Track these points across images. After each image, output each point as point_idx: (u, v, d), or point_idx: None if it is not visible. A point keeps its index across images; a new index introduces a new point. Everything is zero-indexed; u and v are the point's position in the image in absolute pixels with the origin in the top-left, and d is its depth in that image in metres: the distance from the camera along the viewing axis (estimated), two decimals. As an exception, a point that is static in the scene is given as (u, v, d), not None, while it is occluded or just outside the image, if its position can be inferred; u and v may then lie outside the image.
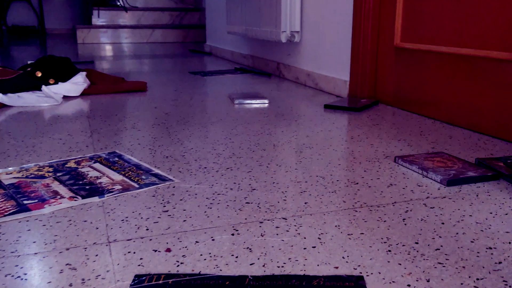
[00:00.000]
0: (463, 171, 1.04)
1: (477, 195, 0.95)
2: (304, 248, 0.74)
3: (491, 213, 0.87)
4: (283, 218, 0.84)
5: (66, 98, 1.92)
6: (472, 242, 0.76)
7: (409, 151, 1.22)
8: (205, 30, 5.28)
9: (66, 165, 1.09)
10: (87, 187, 0.96)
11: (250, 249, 0.73)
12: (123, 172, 1.04)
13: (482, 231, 0.80)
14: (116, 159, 1.14)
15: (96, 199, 0.91)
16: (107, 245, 0.74)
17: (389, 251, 0.73)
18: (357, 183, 1.01)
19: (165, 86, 2.25)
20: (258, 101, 1.82)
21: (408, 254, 0.72)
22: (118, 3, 5.37)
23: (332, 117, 1.60)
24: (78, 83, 1.98)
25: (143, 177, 1.02)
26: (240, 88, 2.19)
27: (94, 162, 1.11)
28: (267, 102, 1.83)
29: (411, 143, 1.30)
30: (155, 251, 0.72)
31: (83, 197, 0.91)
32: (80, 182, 0.99)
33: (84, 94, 1.99)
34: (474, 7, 1.36)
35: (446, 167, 1.07)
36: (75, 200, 0.90)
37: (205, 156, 1.18)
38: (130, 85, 2.12)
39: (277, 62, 2.56)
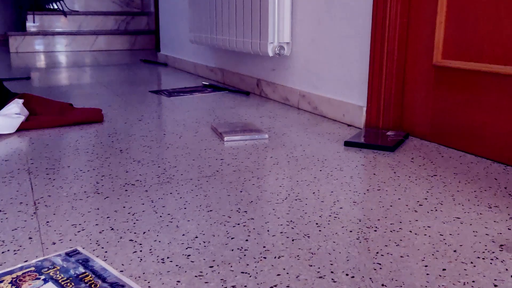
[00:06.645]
0: None
1: None
2: None
3: None
4: None
5: (-5, 138, 1.43)
6: None
7: None
8: (153, 36, 4.78)
9: (-5, 297, 0.64)
10: None
11: None
12: (97, 308, 0.61)
13: None
14: (81, 269, 0.70)
15: None
16: None
17: None
18: (498, 315, 0.61)
19: (125, 112, 1.79)
20: (255, 136, 1.41)
21: None
22: (56, 7, 4.78)
23: (365, 162, 1.21)
24: (12, 115, 1.49)
25: (135, 319, 0.59)
26: (220, 113, 1.77)
27: (45, 282, 0.67)
28: (266, 137, 1.42)
29: (509, 211, 0.92)
30: None
31: None
32: None
33: (22, 129, 1.50)
34: None
35: None
36: None
37: (223, 255, 0.76)
38: (82, 115, 1.65)
39: (256, 78, 2.15)
